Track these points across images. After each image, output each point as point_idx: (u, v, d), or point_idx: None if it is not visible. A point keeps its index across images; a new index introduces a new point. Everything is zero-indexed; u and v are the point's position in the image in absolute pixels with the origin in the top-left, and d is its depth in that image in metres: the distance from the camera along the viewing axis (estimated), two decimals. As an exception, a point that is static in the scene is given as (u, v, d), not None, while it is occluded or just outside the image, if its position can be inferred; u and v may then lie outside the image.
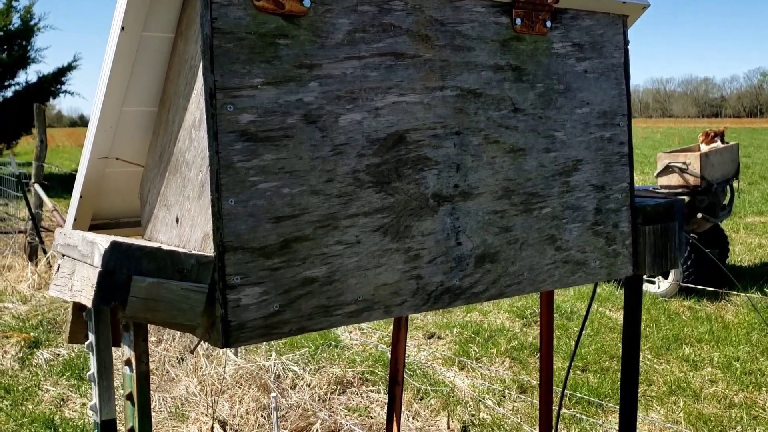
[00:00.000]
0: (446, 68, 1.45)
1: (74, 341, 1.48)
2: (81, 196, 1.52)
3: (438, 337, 5.90)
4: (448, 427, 4.17)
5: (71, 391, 4.79)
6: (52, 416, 4.31)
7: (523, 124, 1.55)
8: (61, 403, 4.64)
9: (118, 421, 1.43)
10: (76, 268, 1.24)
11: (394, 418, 1.90)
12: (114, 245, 1.12)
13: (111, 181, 1.55)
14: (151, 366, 5.19)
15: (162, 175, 1.41)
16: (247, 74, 1.23)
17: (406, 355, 5.41)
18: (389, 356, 5.41)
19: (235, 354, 5.13)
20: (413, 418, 4.43)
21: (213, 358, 5.10)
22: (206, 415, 4.17)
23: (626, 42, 1.71)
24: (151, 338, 5.63)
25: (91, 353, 1.41)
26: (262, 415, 4.27)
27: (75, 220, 1.58)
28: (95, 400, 1.41)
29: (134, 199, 1.65)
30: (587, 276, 1.66)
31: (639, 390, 4.67)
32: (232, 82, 1.22)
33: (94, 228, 1.64)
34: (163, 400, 4.64)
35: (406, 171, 1.41)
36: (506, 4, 1.52)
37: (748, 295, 6.41)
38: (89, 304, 1.11)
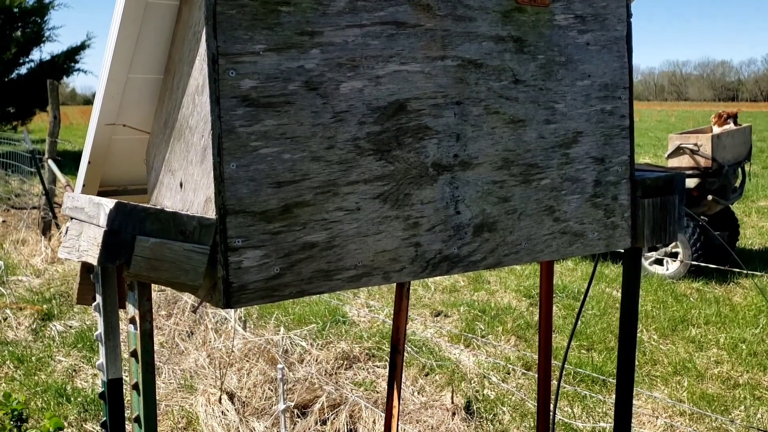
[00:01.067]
0: (447, 38, 1.47)
1: (82, 302, 1.52)
2: (89, 162, 1.56)
3: (445, 315, 5.94)
4: (452, 402, 4.22)
5: (83, 362, 4.87)
6: (64, 386, 4.39)
7: (523, 95, 1.57)
8: (73, 373, 4.72)
9: (123, 380, 1.47)
10: (83, 229, 1.28)
11: (395, 386, 1.94)
12: (119, 206, 1.15)
13: (118, 147, 1.59)
14: (161, 339, 5.27)
15: (167, 141, 1.44)
16: (249, 40, 1.25)
17: (413, 332, 5.46)
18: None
19: (244, 328, 5.19)
20: (418, 393, 4.48)
21: (222, 332, 5.17)
22: (214, 387, 4.24)
23: (629, 15, 1.72)
24: (162, 312, 5.71)
25: (98, 314, 1.45)
26: (269, 388, 4.33)
27: (84, 186, 1.61)
28: (102, 359, 1.45)
29: (141, 166, 1.68)
30: (585, 247, 1.68)
31: (644, 369, 4.70)
32: (235, 48, 1.24)
33: (102, 194, 1.68)
34: (173, 372, 4.71)
35: (406, 139, 1.43)
36: (508, -25, 1.53)
37: (752, 273, 6.40)
38: (95, 263, 1.15)
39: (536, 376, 4.54)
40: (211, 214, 1.25)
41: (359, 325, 5.63)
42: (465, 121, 1.50)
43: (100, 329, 1.45)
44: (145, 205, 1.20)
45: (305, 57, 1.31)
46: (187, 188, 1.36)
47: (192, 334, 5.35)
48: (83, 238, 1.26)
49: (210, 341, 4.97)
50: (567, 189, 1.64)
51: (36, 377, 4.61)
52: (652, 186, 1.75)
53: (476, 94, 1.51)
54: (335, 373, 4.72)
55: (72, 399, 4.21)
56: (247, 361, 4.65)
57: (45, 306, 5.85)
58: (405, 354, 5.01)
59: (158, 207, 1.22)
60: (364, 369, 4.83)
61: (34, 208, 8.82)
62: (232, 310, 5.24)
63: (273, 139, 1.29)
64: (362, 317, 5.88)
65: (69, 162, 15.18)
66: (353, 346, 5.06)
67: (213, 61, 1.22)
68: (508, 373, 4.72)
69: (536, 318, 5.75)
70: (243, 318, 5.38)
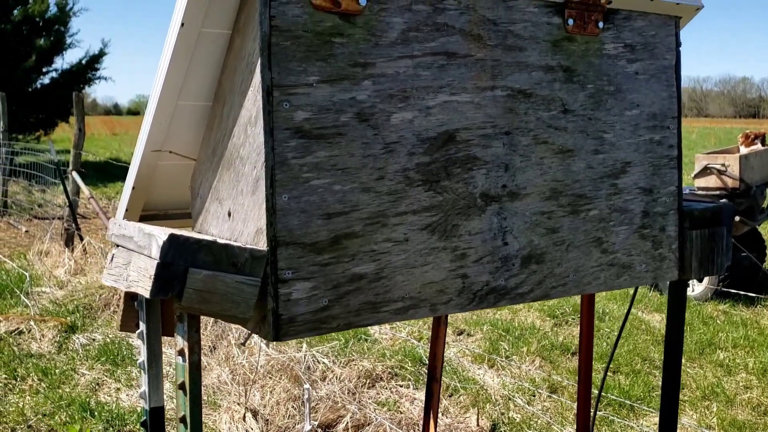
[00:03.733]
0: (497, 68, 1.45)
1: (126, 329, 1.51)
2: (133, 188, 1.55)
3: (468, 334, 5.90)
4: (478, 425, 4.17)
5: (106, 376, 4.87)
6: (88, 400, 4.39)
7: (572, 125, 1.55)
8: (96, 387, 4.73)
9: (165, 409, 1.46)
10: (132, 258, 1.27)
11: (432, 415, 1.91)
12: (172, 238, 1.14)
13: (162, 173, 1.58)
14: (184, 354, 5.27)
15: (215, 169, 1.44)
16: (303, 72, 1.24)
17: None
18: (418, 351, 5.42)
19: (267, 345, 5.18)
20: (443, 415, 4.44)
21: (245, 348, 5.16)
22: (238, 404, 4.22)
23: (678, 43, 1.70)
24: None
25: (141, 342, 1.44)
26: (292, 406, 4.31)
27: (126, 210, 1.61)
28: (144, 387, 1.44)
29: (184, 192, 1.68)
30: (632, 279, 1.65)
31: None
32: (289, 79, 1.23)
33: (144, 219, 1.67)
34: (196, 387, 4.70)
35: (455, 170, 1.41)
36: (559, 4, 1.52)
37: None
38: (147, 295, 1.14)
39: (563, 399, 4.49)
40: (262, 245, 1.24)
41: (381, 342, 5.60)
42: (514, 151, 1.48)
43: (143, 357, 1.44)
44: (197, 236, 1.19)
45: (357, 88, 1.30)
46: (236, 218, 1.34)
47: (215, 348, 5.35)
48: (132, 267, 1.25)
49: (233, 357, 4.96)
50: (615, 220, 1.62)
51: (60, 390, 4.62)
52: (700, 217, 1.72)
53: (525, 124, 1.49)
54: (358, 392, 4.69)
55: (96, 413, 4.21)
56: (271, 378, 4.63)
57: (68, 318, 5.87)
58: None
59: (210, 238, 1.21)
60: (386, 388, 4.79)
61: (57, 218, 8.89)
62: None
63: (324, 170, 1.27)
64: (384, 335, 5.85)
65: (91, 173, 15.33)
66: (376, 364, 5.03)
67: (267, 93, 1.21)
68: (534, 396, 4.67)
69: (561, 339, 5.71)
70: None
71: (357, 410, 4.30)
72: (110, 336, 5.54)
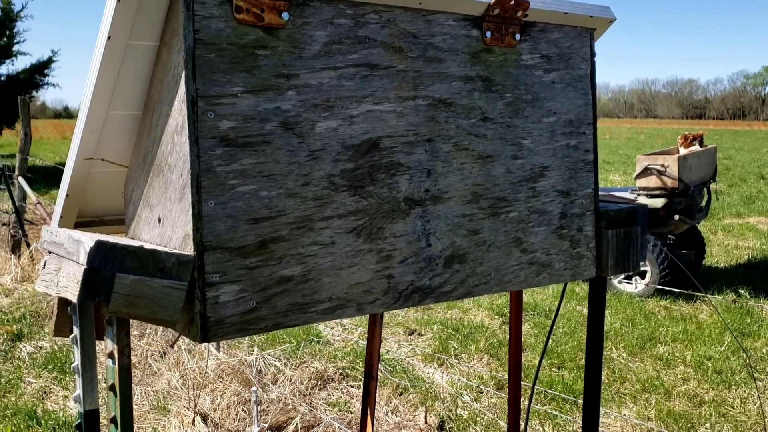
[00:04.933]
0: (419, 78, 1.52)
1: (59, 334, 1.54)
2: (67, 195, 1.58)
3: (419, 334, 5.98)
4: (426, 422, 4.26)
5: (53, 384, 4.83)
6: (34, 408, 4.35)
7: (491, 132, 1.63)
8: (44, 395, 4.68)
9: (100, 412, 1.49)
10: (62, 265, 1.31)
11: (368, 412, 1.97)
12: (99, 244, 1.18)
13: (96, 180, 1.61)
14: (134, 360, 5.24)
15: (145, 176, 1.48)
16: (228, 83, 1.30)
17: (386, 351, 5.49)
18: (369, 352, 5.44)
19: (217, 349, 5.18)
20: (392, 413, 4.51)
21: (195, 353, 5.16)
22: (188, 408, 4.23)
23: (593, 54, 1.79)
24: (134, 332, 5.68)
25: (75, 346, 1.47)
26: (243, 409, 4.33)
27: (61, 217, 1.64)
28: (79, 390, 1.47)
29: (118, 198, 1.71)
30: (552, 277, 1.74)
31: (613, 387, 4.78)
32: (213, 90, 1.28)
33: (79, 225, 1.70)
34: (145, 393, 4.69)
35: (379, 176, 1.48)
36: (477, 17, 1.60)
37: (707, 296, 6.54)
38: (75, 300, 1.18)
39: (507, 396, 4.60)
40: (189, 250, 1.29)
41: (333, 344, 5.65)
42: (435, 158, 1.55)
43: (77, 361, 1.48)
44: (125, 242, 1.24)
45: (282, 98, 1.36)
46: (166, 224, 1.39)
47: (165, 354, 5.33)
48: (62, 273, 1.29)
49: (183, 362, 4.95)
50: (534, 221, 1.70)
51: (5, 399, 4.56)
52: (616, 217, 1.82)
53: (446, 132, 1.56)
54: (309, 394, 4.73)
55: (43, 422, 4.17)
56: (221, 382, 4.65)
57: (14, 326, 5.78)
58: (380, 374, 5.04)
59: (137, 243, 1.26)
60: (338, 389, 4.85)
61: (2, 225, 8.71)
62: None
63: (250, 177, 1.33)
64: (336, 336, 5.90)
65: (39, 177, 15.02)
66: (327, 366, 5.08)
67: (192, 103, 1.26)
68: (481, 393, 4.77)
69: (508, 336, 5.82)
70: (216, 338, 5.35)
71: (307, 411, 4.34)
72: (58, 343, 5.48)
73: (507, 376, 4.93)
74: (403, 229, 1.52)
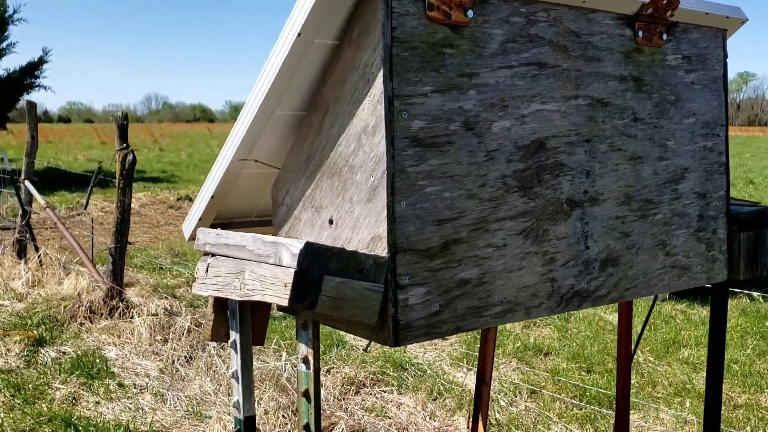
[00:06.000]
0: (580, 78, 1.51)
1: (216, 339, 1.50)
2: (212, 197, 1.54)
3: (443, 338, 5.96)
4: (468, 427, 4.23)
5: (82, 390, 4.73)
6: (67, 414, 4.26)
7: (641, 132, 1.62)
8: (74, 401, 4.58)
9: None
10: (246, 267, 1.27)
11: (480, 417, 1.95)
12: (308, 246, 1.15)
13: (241, 182, 1.57)
14: (160, 365, 5.17)
15: (309, 177, 1.44)
16: (419, 82, 1.27)
17: (416, 356, 5.46)
18: (397, 357, 5.43)
19: (249, 353, 5.12)
20: (430, 418, 4.48)
21: (225, 357, 5.09)
22: (228, 413, 4.17)
23: (725, 55, 1.79)
24: (158, 337, 5.61)
25: (234, 351, 1.43)
26: (283, 415, 4.28)
27: (200, 219, 1.60)
28: (237, 397, 1.43)
29: (252, 200, 1.67)
30: (690, 280, 1.73)
31: (645, 391, 4.80)
32: (407, 89, 1.26)
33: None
34: (178, 399, 4.62)
35: (545, 176, 1.46)
36: (630, 17, 1.58)
37: (748, 292, 6.61)
38: (285, 303, 1.14)
39: (544, 400, 4.59)
40: (380, 252, 1.26)
41: (358, 349, 5.61)
42: (594, 158, 1.54)
43: (236, 366, 1.44)
44: (327, 244, 1.20)
45: (464, 98, 1.33)
46: (342, 225, 1.36)
47: (191, 359, 5.26)
48: (249, 276, 1.25)
49: (216, 367, 4.88)
50: (676, 224, 1.69)
51: (36, 406, 4.46)
52: (747, 220, 1.82)
53: (603, 132, 1.55)
54: (344, 399, 4.69)
55: (81, 428, 4.08)
56: (257, 388, 4.59)
57: (34, 331, 5.67)
58: (411, 378, 5.02)
59: (338, 246, 1.22)
60: (371, 394, 4.80)
61: (5, 229, 8.56)
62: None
63: (436, 177, 1.30)
64: (359, 341, 5.86)
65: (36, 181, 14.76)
66: (358, 371, 5.04)
67: (389, 103, 1.23)
68: (515, 396, 4.76)
69: (532, 340, 5.83)
70: (248, 343, 5.28)
71: (347, 416, 4.30)
72: (81, 348, 5.38)
73: (538, 380, 4.93)
74: (564, 231, 1.50)
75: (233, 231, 1.58)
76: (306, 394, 1.26)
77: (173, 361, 5.22)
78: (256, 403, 4.52)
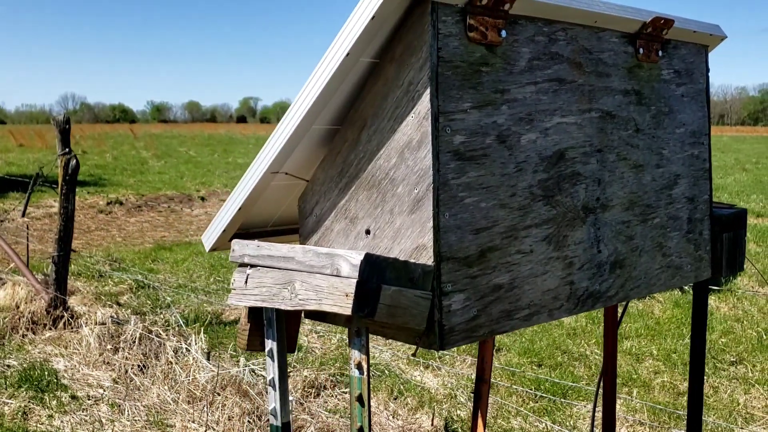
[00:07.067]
0: (592, 92, 1.61)
1: (252, 348, 1.52)
2: (240, 209, 1.57)
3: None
4: (432, 425, 4.33)
5: (33, 404, 4.59)
6: (22, 430, 4.12)
7: (642, 142, 1.73)
8: (25, 416, 4.44)
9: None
10: (297, 278, 1.30)
11: (480, 415, 2.03)
12: (368, 257, 1.20)
13: (266, 193, 1.60)
14: (113, 375, 5.07)
15: (343, 189, 1.49)
16: (460, 99, 1.34)
17: (372, 356, 5.52)
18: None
19: (208, 359, 5.07)
20: (393, 417, 4.56)
21: (181, 365, 5.02)
22: (193, 422, 4.13)
23: (707, 69, 1.93)
24: (108, 346, 5.48)
25: (270, 359, 1.46)
26: (248, 420, 4.27)
27: (224, 231, 1.62)
28: (275, 404, 1.46)
29: (270, 211, 1.70)
30: (682, 279, 1.86)
31: (594, 383, 5.01)
32: (450, 106, 1.32)
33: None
34: (136, 408, 4.54)
35: (564, 185, 1.55)
36: (632, 35, 1.69)
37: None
38: (346, 312, 1.18)
39: (497, 396, 4.74)
40: (424, 260, 1.32)
41: (314, 352, 5.64)
42: (604, 167, 1.64)
43: (273, 374, 1.47)
44: (382, 255, 1.25)
45: (497, 113, 1.41)
46: (380, 235, 1.41)
47: (145, 367, 5.16)
48: (300, 287, 1.29)
49: (174, 374, 4.82)
50: (671, 226, 1.82)
51: (-14, 423, 4.30)
52: (727, 221, 1.96)
53: (611, 142, 1.65)
54: (306, 402, 4.71)
55: (39, 444, 3.97)
56: (219, 394, 4.55)
57: (-25, 345, 5.45)
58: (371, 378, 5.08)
59: (391, 256, 1.28)
60: (332, 396, 4.84)
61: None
62: (194, 342, 5.11)
63: (474, 189, 1.37)
64: (314, 343, 5.88)
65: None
66: (318, 374, 5.06)
67: (435, 119, 1.29)
68: (473, 392, 4.89)
69: (603, 347, 5.97)
70: (206, 350, 5.25)
71: (311, 419, 4.33)
72: (28, 361, 5.20)
73: (494, 375, 5.07)
74: (581, 237, 1.59)
75: (270, 241, 1.60)
76: (360, 398, 1.31)
77: (126, 371, 5.12)
78: (220, 408, 4.49)
